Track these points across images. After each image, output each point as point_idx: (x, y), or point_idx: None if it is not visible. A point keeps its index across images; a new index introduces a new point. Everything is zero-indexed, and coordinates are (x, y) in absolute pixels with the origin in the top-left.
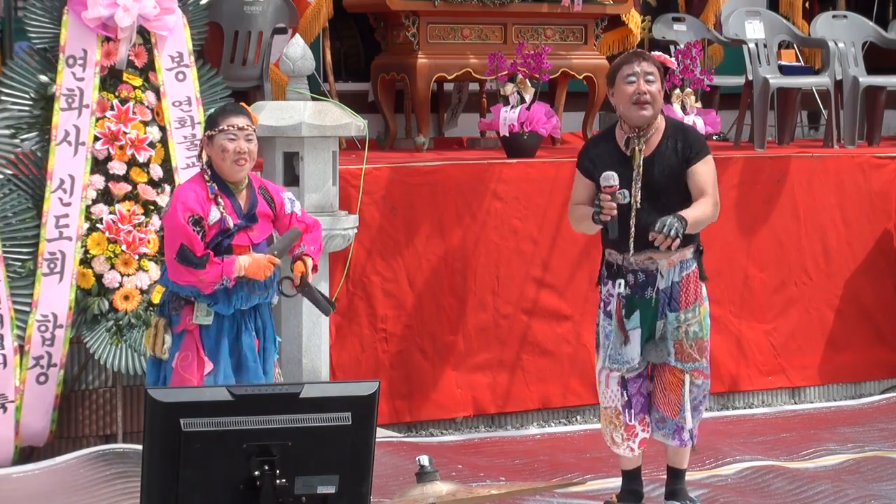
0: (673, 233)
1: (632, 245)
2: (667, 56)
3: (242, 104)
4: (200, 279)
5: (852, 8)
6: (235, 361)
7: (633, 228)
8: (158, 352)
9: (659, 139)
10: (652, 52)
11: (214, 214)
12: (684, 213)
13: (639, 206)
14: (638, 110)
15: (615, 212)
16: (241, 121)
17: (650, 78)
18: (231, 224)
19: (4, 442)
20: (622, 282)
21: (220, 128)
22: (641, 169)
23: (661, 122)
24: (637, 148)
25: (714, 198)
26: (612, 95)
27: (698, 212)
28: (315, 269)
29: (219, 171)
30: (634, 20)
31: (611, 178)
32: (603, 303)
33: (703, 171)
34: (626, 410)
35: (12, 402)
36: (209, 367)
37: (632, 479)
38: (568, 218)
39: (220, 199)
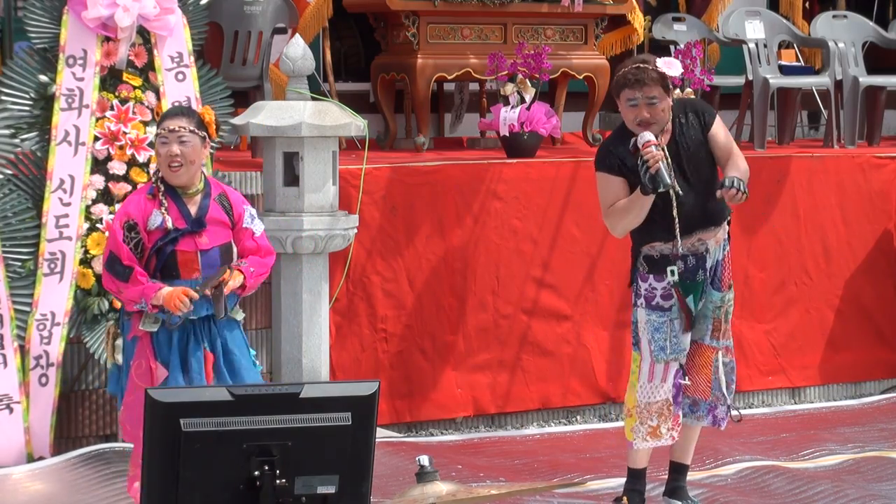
0: (743, 188)
1: (678, 228)
2: (671, 64)
3: (199, 110)
4: (121, 291)
5: (852, 8)
6: (188, 376)
7: (676, 217)
8: (110, 356)
9: (671, 122)
10: (657, 63)
11: (156, 218)
12: (734, 172)
13: (680, 193)
14: (640, 130)
15: (660, 154)
16: (174, 122)
17: (652, 101)
18: (170, 224)
19: (15, 443)
20: (673, 269)
21: (157, 131)
22: (670, 160)
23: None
24: (658, 141)
25: (739, 151)
26: (618, 103)
27: (743, 165)
28: (244, 289)
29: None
30: (639, 20)
31: (646, 135)
32: (644, 298)
33: (721, 131)
34: (675, 400)
35: (18, 402)
36: (163, 374)
37: (638, 478)
38: (608, 224)
39: (164, 203)
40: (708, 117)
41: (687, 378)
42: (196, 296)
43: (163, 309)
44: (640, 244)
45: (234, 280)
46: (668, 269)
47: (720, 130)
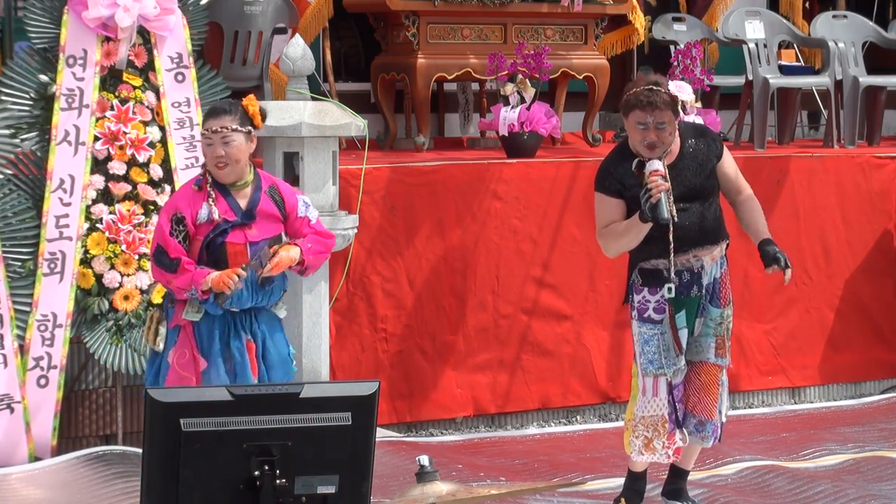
0: (787, 262)
1: (671, 251)
2: (682, 88)
3: (242, 101)
4: (169, 282)
5: (852, 8)
6: (230, 364)
7: (671, 236)
8: (151, 343)
9: (679, 143)
10: (668, 86)
11: (204, 212)
12: (766, 233)
13: (675, 219)
14: (646, 152)
15: (665, 185)
16: (216, 123)
17: (662, 126)
18: (216, 216)
19: (16, 443)
20: (670, 286)
21: (202, 132)
22: (670, 181)
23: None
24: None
25: (748, 187)
26: (625, 122)
27: (764, 222)
28: (302, 264)
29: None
30: (640, 19)
31: (655, 163)
32: (637, 311)
33: (731, 162)
34: (671, 418)
35: (19, 402)
36: (203, 364)
37: (639, 479)
38: (601, 243)
39: (213, 197)
40: (719, 147)
41: (683, 396)
42: (244, 273)
43: (214, 295)
44: (636, 259)
45: (287, 251)
46: (666, 286)
47: (729, 161)
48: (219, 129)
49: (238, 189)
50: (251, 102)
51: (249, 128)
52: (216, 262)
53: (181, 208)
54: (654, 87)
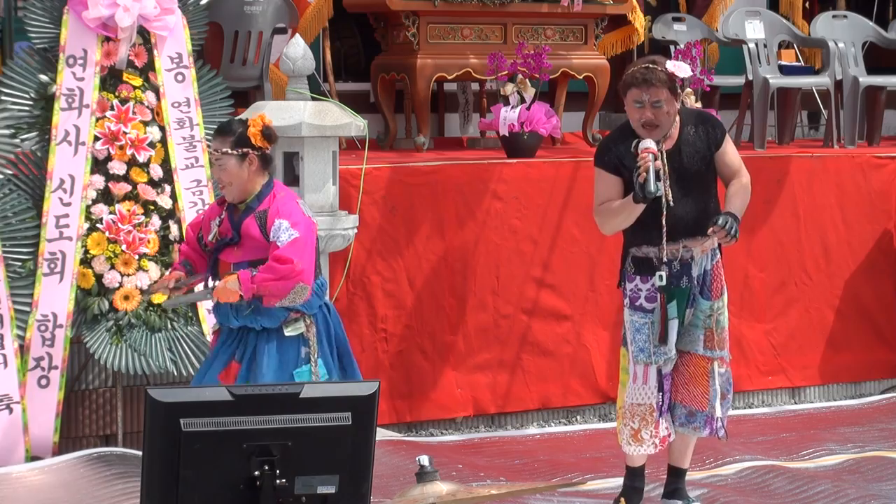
0: (734, 232)
1: (664, 236)
2: (680, 66)
3: (249, 120)
4: None
5: (852, 8)
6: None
7: (664, 222)
8: None
9: (679, 129)
10: (666, 64)
11: (212, 226)
12: (734, 210)
13: (671, 203)
14: (644, 133)
15: (652, 163)
16: (213, 145)
17: (658, 104)
18: (210, 237)
19: (15, 443)
20: (661, 274)
21: None
22: (667, 166)
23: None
24: (659, 148)
25: (745, 175)
26: (624, 102)
27: (741, 202)
28: (244, 297)
29: None
30: (639, 19)
31: (647, 142)
32: (629, 299)
33: (731, 150)
34: (658, 406)
35: (18, 402)
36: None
37: (637, 476)
38: (596, 219)
39: (222, 215)
40: (719, 134)
41: (671, 387)
42: (171, 280)
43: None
44: (629, 245)
45: (225, 283)
46: (657, 273)
47: (730, 149)
48: (213, 152)
49: (239, 210)
50: (254, 122)
51: (246, 150)
52: (217, 276)
53: (199, 220)
54: (651, 66)
